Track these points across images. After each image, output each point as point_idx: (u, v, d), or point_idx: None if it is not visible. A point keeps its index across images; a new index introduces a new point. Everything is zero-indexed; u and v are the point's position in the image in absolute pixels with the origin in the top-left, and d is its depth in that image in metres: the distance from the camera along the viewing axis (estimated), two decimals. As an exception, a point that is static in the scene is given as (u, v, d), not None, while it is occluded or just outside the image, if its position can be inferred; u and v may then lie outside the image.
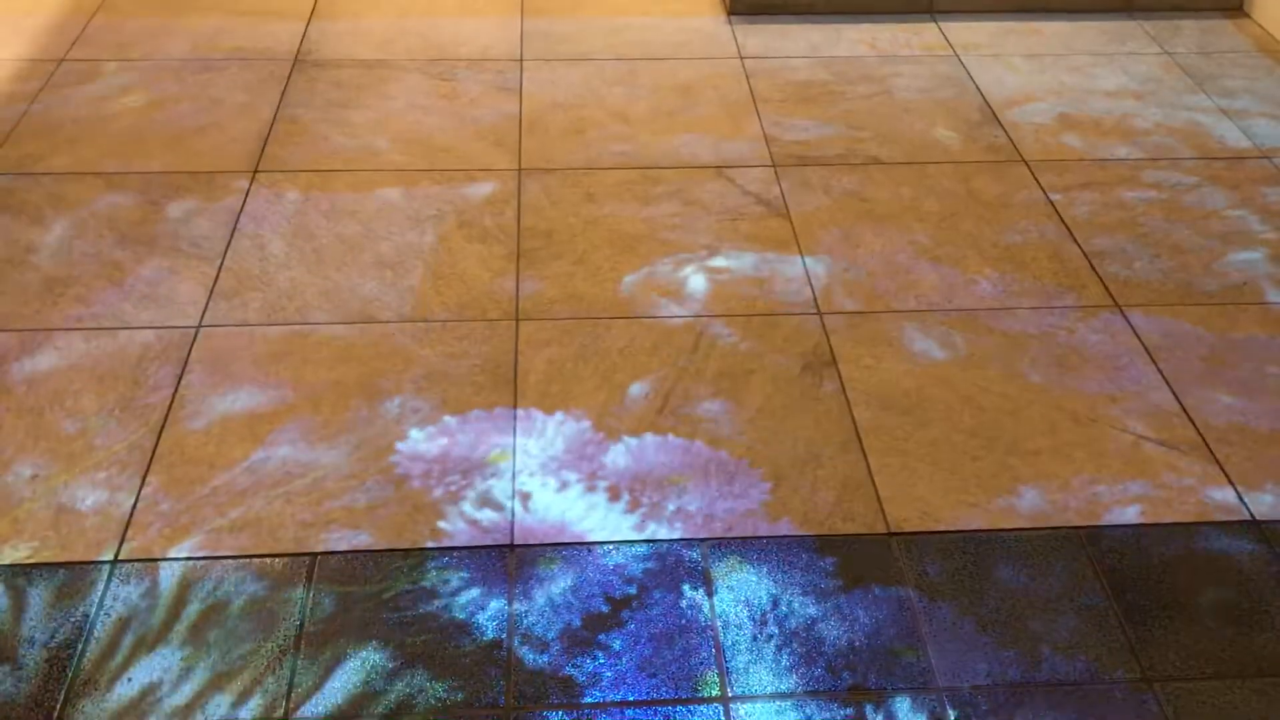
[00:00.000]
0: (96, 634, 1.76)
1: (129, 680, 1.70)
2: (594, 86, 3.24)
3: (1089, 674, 1.74)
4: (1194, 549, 1.94)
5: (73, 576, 1.84)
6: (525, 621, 1.80)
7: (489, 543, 1.92)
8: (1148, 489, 2.05)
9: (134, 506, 1.97)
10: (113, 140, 2.94)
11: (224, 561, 1.88)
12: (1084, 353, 2.34)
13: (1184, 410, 2.21)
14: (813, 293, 2.49)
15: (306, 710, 1.67)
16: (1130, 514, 2.00)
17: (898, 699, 1.70)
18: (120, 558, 1.88)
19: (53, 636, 1.75)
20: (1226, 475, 2.08)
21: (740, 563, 1.90)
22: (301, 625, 1.78)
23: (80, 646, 1.74)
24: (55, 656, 1.73)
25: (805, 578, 1.87)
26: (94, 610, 1.79)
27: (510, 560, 1.90)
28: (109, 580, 1.84)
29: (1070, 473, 2.07)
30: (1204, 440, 2.15)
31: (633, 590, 1.85)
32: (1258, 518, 2.00)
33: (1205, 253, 2.64)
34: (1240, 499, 2.03)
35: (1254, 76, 3.37)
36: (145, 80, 3.21)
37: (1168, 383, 2.27)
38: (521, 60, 3.37)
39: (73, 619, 1.78)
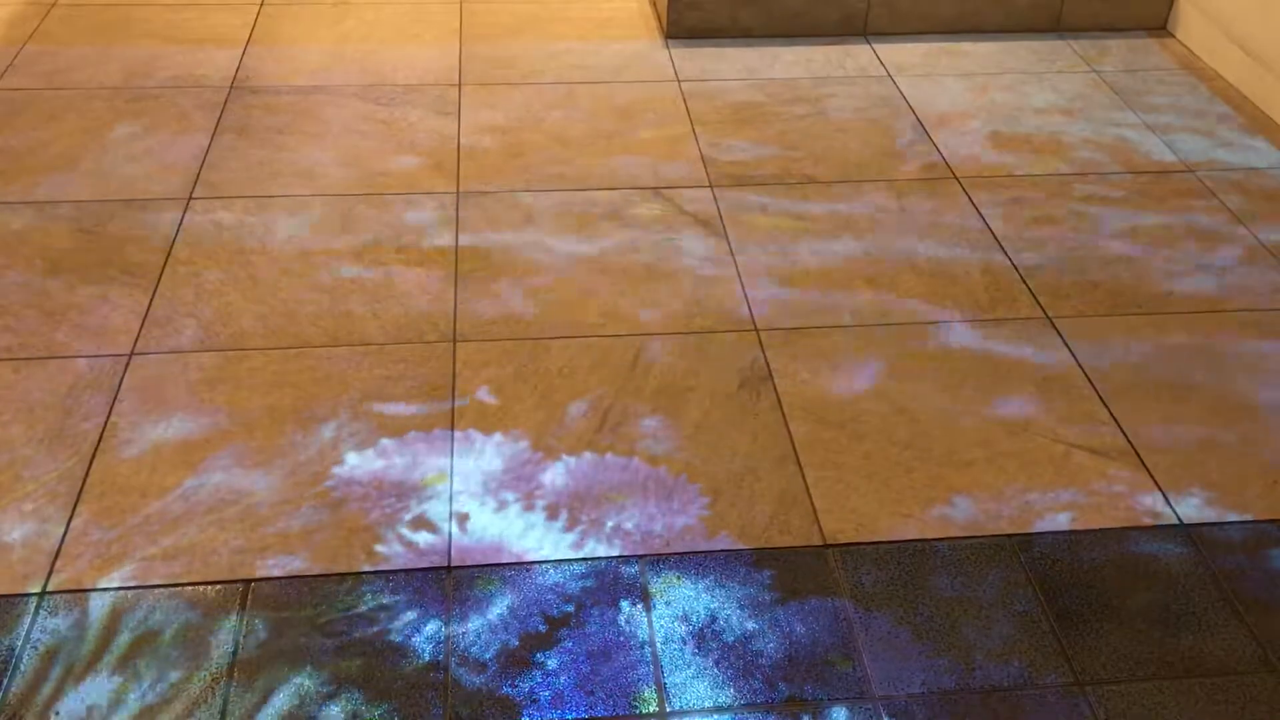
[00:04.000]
0: (23, 668, 1.73)
1: (56, 714, 1.67)
2: (532, 110, 3.26)
3: (1022, 679, 1.76)
4: (1124, 554, 1.97)
5: (-1, 609, 1.81)
6: (463, 643, 1.79)
7: (426, 565, 1.91)
8: (1078, 496, 2.08)
9: (63, 537, 1.94)
10: (44, 169, 2.91)
11: (156, 590, 1.85)
12: (1016, 364, 2.38)
13: (1114, 419, 2.25)
14: (750, 310, 2.51)
15: (239, 738, 1.65)
16: (1061, 521, 2.03)
17: (834, 709, 1.71)
18: (48, 589, 1.85)
19: (-23, 671, 1.72)
20: (1155, 481, 2.12)
21: (678, 578, 1.90)
22: (235, 653, 1.76)
23: (5, 680, 1.70)
24: (-20, 691, 1.69)
25: (743, 591, 1.88)
26: (20, 643, 1.76)
27: (448, 582, 1.89)
28: (36, 612, 1.81)
29: (1003, 482, 2.10)
30: (1133, 448, 2.19)
31: (571, 609, 1.84)
32: (1185, 522, 2.03)
33: (1133, 265, 2.69)
34: (1168, 504, 2.07)
35: (1178, 93, 3.45)
36: (78, 108, 3.17)
37: (1097, 392, 2.32)
38: (460, 85, 3.38)
39: (-2, 653, 1.75)
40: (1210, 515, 2.05)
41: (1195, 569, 1.95)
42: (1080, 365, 2.38)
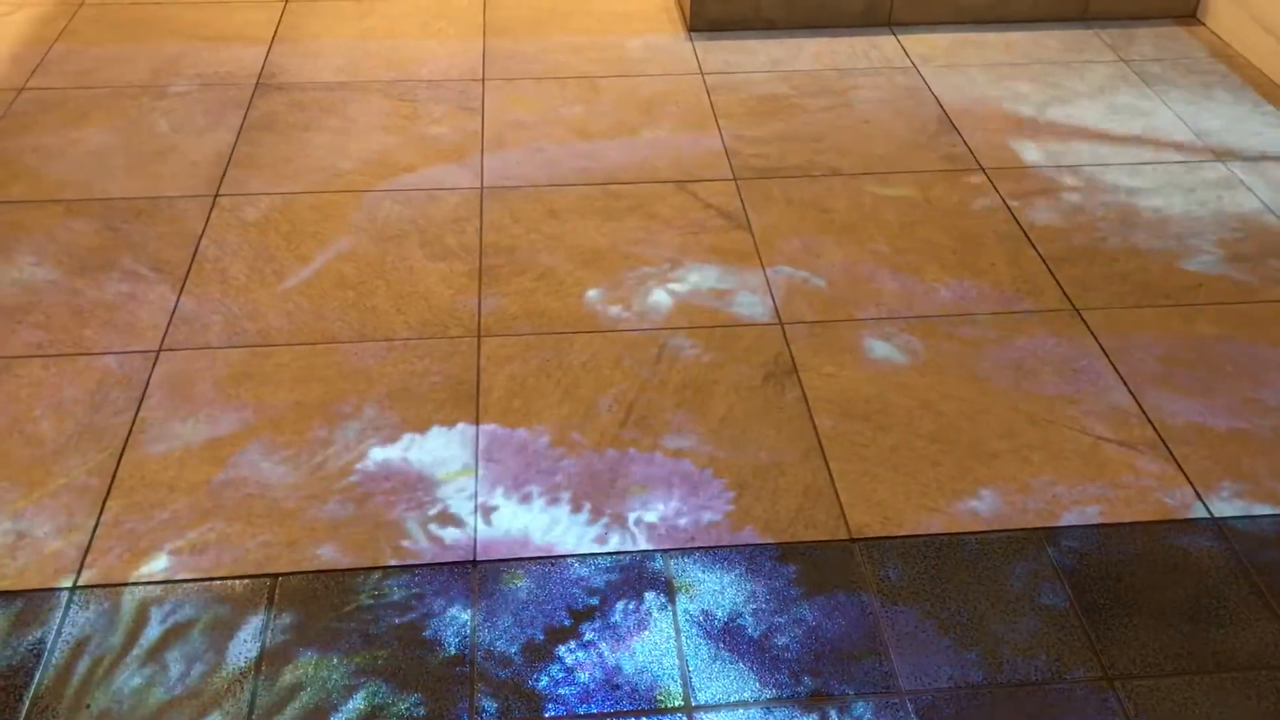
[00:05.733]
0: (54, 661, 1.74)
1: (87, 707, 1.68)
2: (556, 104, 3.26)
3: (1050, 674, 1.75)
4: (1153, 548, 1.95)
5: (30, 604, 1.83)
6: (488, 636, 1.79)
7: (451, 559, 1.92)
8: (1106, 489, 2.06)
9: (93, 532, 1.95)
10: (73, 167, 2.93)
11: (184, 585, 1.87)
12: (1042, 356, 2.36)
13: (1142, 411, 2.23)
14: (774, 303, 2.50)
15: (268, 731, 1.66)
16: (1090, 514, 2.01)
17: (860, 704, 1.70)
18: (79, 584, 1.87)
19: (9, 664, 1.74)
20: (1184, 474, 2.10)
21: (703, 572, 1.90)
22: (263, 646, 1.77)
23: (37, 674, 1.72)
24: (11, 684, 1.71)
25: (768, 585, 1.88)
26: (52, 637, 1.78)
27: (473, 575, 1.89)
28: (67, 607, 1.83)
29: (1029, 475, 2.08)
30: (1162, 440, 2.17)
31: (595, 602, 1.85)
32: (1215, 515, 2.01)
33: (1161, 255, 2.66)
34: (1198, 497, 2.05)
35: (1208, 82, 3.41)
36: (105, 107, 3.20)
37: (1125, 384, 2.29)
38: (483, 79, 3.38)
39: (30, 646, 1.76)
40: (1241, 508, 2.03)
41: (1226, 562, 1.93)
42: (1108, 357, 2.36)
